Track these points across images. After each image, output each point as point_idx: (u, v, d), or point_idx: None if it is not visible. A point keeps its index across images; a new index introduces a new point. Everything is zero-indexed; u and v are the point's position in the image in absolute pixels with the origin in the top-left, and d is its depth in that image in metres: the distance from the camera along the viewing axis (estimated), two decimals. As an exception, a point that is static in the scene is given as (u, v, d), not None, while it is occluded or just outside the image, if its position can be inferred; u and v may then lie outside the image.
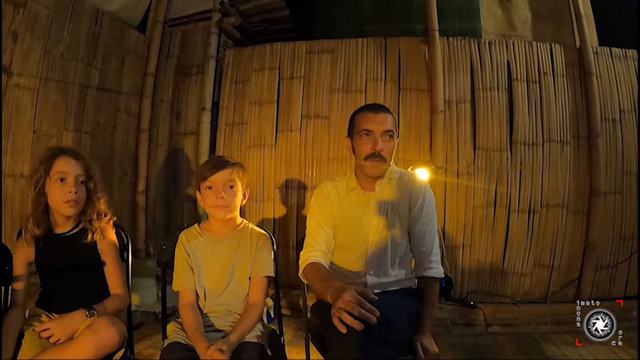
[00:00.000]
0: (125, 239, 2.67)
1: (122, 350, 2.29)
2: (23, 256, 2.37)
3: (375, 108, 2.54)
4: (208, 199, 2.40)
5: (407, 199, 2.58)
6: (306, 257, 2.53)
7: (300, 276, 2.54)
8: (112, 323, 2.15)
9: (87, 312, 2.21)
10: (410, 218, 2.57)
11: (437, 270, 2.50)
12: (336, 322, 1.83)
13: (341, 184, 2.66)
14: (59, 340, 2.13)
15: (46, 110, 4.08)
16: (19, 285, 2.33)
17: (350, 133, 2.59)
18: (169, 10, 5.60)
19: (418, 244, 2.56)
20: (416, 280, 2.63)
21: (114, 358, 2.24)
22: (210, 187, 2.39)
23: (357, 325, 1.77)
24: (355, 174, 2.65)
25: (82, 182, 2.41)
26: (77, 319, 2.19)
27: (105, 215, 2.52)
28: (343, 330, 1.81)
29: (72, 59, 4.35)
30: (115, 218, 2.61)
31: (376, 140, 2.44)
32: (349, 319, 1.79)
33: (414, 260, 2.62)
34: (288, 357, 2.67)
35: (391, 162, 2.56)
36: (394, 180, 2.61)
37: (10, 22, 3.67)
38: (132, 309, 2.73)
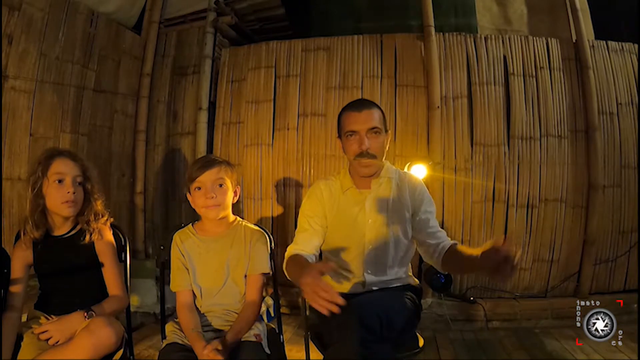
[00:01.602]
0: (123, 240, 2.67)
1: (121, 351, 2.30)
2: (21, 259, 2.37)
3: (358, 105, 2.49)
4: (198, 200, 2.39)
5: (407, 200, 2.57)
6: (290, 250, 2.52)
7: (283, 270, 2.49)
8: (109, 324, 2.15)
9: (86, 314, 2.20)
10: (419, 221, 2.55)
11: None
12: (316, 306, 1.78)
13: (335, 184, 2.64)
14: (57, 342, 2.13)
15: (42, 113, 4.06)
16: (16, 288, 2.33)
17: (339, 133, 2.58)
18: (164, 10, 5.57)
19: (437, 238, 2.48)
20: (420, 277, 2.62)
21: (113, 359, 2.25)
22: (199, 188, 2.38)
23: (324, 310, 1.75)
24: (350, 173, 2.63)
25: (79, 183, 2.43)
26: (75, 320, 2.19)
27: (102, 216, 2.52)
28: (324, 311, 1.76)
29: (67, 61, 4.33)
30: (112, 219, 2.62)
31: (362, 140, 2.41)
32: (320, 304, 1.77)
33: (426, 252, 2.54)
34: (289, 356, 2.68)
35: (384, 158, 2.54)
36: (393, 180, 2.59)
37: (5, 25, 3.66)
38: (132, 310, 2.73)
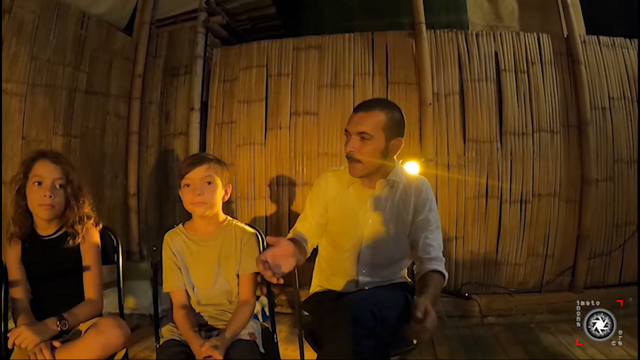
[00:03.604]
0: (115, 242, 2.66)
1: (124, 350, 2.32)
2: (15, 257, 2.37)
3: (360, 106, 2.41)
4: (186, 196, 2.39)
5: (411, 204, 2.50)
6: (289, 235, 2.56)
7: None
8: (118, 325, 2.16)
9: (58, 322, 2.18)
10: (416, 226, 2.50)
11: (442, 267, 2.39)
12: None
13: (344, 174, 2.56)
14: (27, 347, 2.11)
15: (35, 116, 4.06)
16: (17, 292, 2.33)
17: None
18: (155, 11, 5.56)
19: (425, 251, 2.44)
20: (413, 278, 2.60)
21: (115, 358, 2.26)
22: (188, 185, 2.39)
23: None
24: None
25: (60, 186, 2.41)
26: (48, 325, 2.16)
27: (88, 219, 2.51)
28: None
29: (59, 64, 4.32)
30: (101, 225, 2.61)
31: (347, 141, 2.36)
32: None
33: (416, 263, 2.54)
34: (284, 355, 2.68)
35: (376, 163, 2.38)
36: (400, 184, 2.50)
37: (-3, 28, 3.66)
38: (128, 312, 2.72)
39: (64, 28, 4.37)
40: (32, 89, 4.03)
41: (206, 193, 2.37)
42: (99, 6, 4.94)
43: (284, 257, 1.99)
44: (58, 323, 2.18)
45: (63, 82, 4.38)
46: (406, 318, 2.37)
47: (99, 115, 4.92)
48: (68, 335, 2.26)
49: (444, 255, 2.47)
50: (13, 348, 2.15)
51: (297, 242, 2.42)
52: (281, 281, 1.91)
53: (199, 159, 2.43)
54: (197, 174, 2.37)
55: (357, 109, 2.40)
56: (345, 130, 2.40)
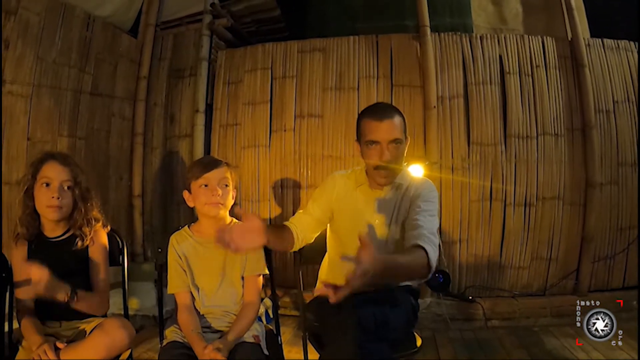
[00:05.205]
0: (120, 244, 2.67)
1: (129, 351, 2.33)
2: (21, 258, 2.37)
3: (380, 114, 2.37)
4: (202, 197, 2.39)
5: (410, 203, 2.49)
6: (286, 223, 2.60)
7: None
8: (122, 325, 2.17)
9: (69, 292, 2.18)
10: (408, 214, 2.43)
11: (425, 243, 2.12)
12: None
13: (351, 177, 2.60)
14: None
15: (40, 117, 4.07)
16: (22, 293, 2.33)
17: (358, 139, 2.49)
18: (160, 13, 5.58)
19: (411, 227, 2.29)
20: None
21: (121, 358, 2.26)
22: (205, 185, 2.39)
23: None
24: (367, 172, 2.55)
25: (68, 187, 2.41)
26: (60, 289, 2.16)
27: (96, 222, 2.51)
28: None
29: (64, 65, 4.34)
30: (109, 227, 2.61)
31: (382, 151, 2.34)
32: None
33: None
34: (288, 357, 2.68)
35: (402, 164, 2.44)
36: (405, 187, 2.50)
37: (1, 29, 3.66)
38: (132, 312, 2.72)
39: (69, 30, 4.38)
40: (38, 90, 4.05)
41: (223, 194, 2.40)
42: (104, 8, 4.96)
43: (250, 233, 2.06)
44: (68, 293, 2.18)
45: (68, 84, 4.40)
46: (410, 321, 2.38)
47: (104, 116, 4.94)
48: (72, 337, 2.27)
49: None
50: (18, 348, 2.17)
51: (284, 228, 2.51)
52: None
53: (216, 161, 2.47)
54: (216, 175, 2.40)
55: (381, 117, 2.36)
56: (372, 141, 2.36)
